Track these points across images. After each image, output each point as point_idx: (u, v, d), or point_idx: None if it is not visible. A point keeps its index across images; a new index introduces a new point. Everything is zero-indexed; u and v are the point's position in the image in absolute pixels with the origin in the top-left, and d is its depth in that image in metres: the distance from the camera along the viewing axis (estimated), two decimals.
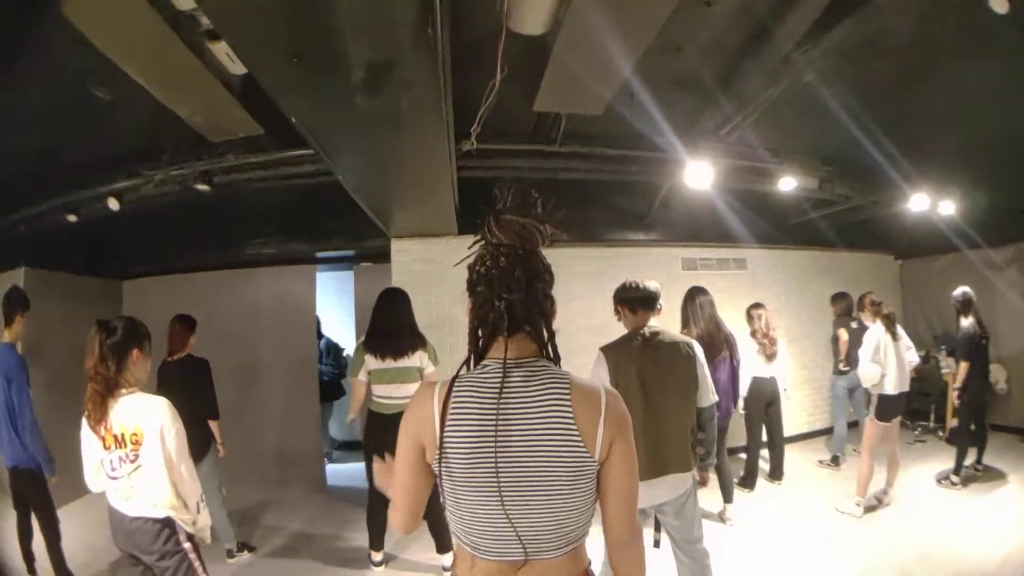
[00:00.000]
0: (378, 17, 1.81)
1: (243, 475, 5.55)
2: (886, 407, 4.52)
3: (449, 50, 2.19)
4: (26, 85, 3.27)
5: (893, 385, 4.49)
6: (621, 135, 4.03)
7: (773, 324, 5.30)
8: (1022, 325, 6.76)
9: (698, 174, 4.13)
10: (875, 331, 4.59)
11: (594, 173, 4.51)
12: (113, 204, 4.91)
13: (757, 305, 5.36)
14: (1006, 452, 5.82)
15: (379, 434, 3.66)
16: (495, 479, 1.23)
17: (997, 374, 6.74)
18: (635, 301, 2.85)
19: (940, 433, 6.75)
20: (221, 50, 2.90)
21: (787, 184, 4.70)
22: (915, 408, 7.10)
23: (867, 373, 4.56)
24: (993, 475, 5.27)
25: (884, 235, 7.30)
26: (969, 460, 5.26)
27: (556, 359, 1.37)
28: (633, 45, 2.72)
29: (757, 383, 5.16)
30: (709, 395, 2.89)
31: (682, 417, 2.74)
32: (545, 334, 1.37)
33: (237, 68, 3.02)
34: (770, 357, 5.17)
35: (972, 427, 5.27)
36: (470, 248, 1.39)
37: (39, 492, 3.54)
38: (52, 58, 3.09)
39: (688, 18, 2.94)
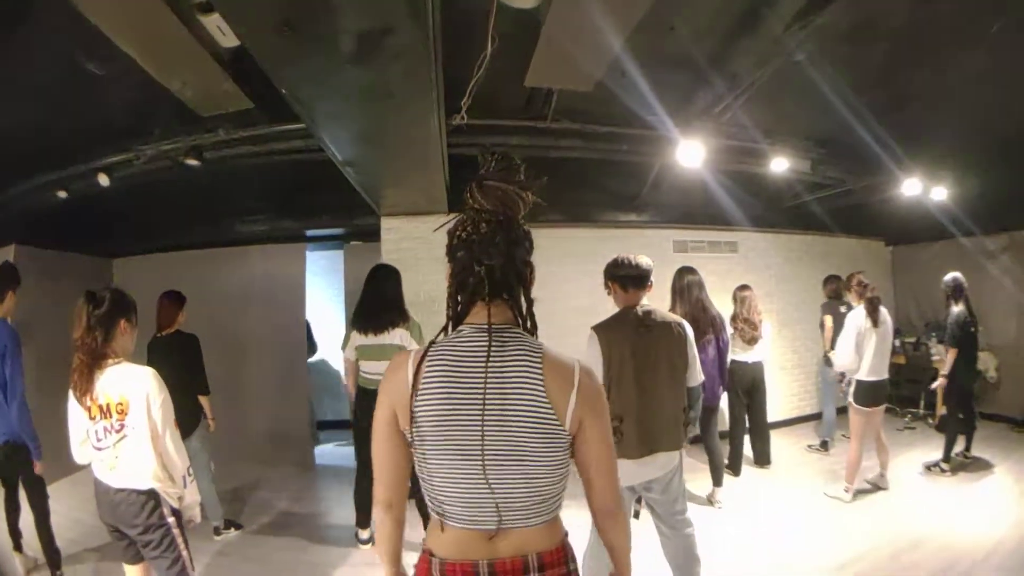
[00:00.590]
0: None
1: (232, 452, 5.65)
2: (862, 393, 4.56)
3: (440, 22, 2.21)
4: (16, 59, 3.27)
5: (867, 372, 4.52)
6: (613, 113, 4.05)
7: (759, 308, 5.34)
8: (1013, 313, 6.86)
9: (690, 153, 4.17)
10: (855, 315, 4.62)
11: (585, 151, 4.52)
12: (103, 180, 4.91)
13: (743, 287, 5.40)
14: (996, 441, 5.93)
15: (365, 410, 3.66)
16: (479, 443, 1.27)
17: (987, 362, 6.82)
18: (626, 279, 2.87)
19: (930, 420, 6.86)
20: (212, 23, 2.88)
21: (779, 165, 4.74)
22: (905, 395, 7.30)
23: (839, 357, 4.65)
24: (981, 464, 5.34)
25: (876, 221, 7.36)
26: (958, 448, 5.32)
27: (533, 328, 1.41)
28: (624, 21, 2.74)
29: (735, 367, 5.19)
30: (697, 375, 2.95)
31: (673, 396, 2.80)
32: (523, 302, 1.40)
33: (228, 41, 3.00)
34: (749, 342, 5.21)
35: (960, 415, 5.32)
36: (449, 216, 1.42)
37: (30, 467, 3.56)
38: (42, 31, 3.08)
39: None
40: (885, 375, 4.62)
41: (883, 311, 4.62)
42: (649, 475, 2.75)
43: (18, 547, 3.78)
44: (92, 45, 3.08)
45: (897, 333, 7.53)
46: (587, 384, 1.34)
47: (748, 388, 5.32)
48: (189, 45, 3.06)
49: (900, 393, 7.29)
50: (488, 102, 3.47)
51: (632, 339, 2.73)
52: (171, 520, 2.43)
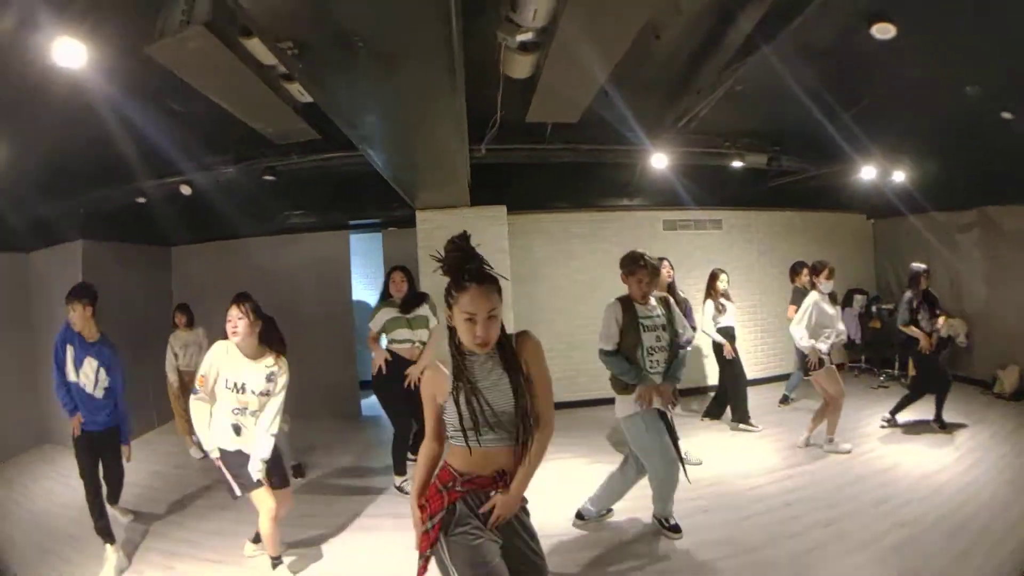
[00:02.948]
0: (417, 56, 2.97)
1: (294, 409, 7.00)
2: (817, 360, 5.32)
3: (463, 67, 3.36)
4: (112, 92, 4.22)
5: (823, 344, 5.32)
6: (597, 133, 5.30)
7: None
8: (982, 283, 7.63)
9: (658, 161, 5.44)
10: (809, 298, 5.40)
11: (578, 157, 5.82)
12: (186, 190, 6.25)
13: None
14: (968, 403, 6.63)
15: (393, 373, 4.80)
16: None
17: (958, 328, 7.53)
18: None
19: (903, 380, 7.77)
20: (295, 88, 4.12)
21: (737, 163, 5.95)
22: (883, 357, 8.35)
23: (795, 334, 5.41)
24: (951, 427, 5.88)
25: (855, 196, 8.18)
26: (930, 416, 5.93)
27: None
28: (604, 63, 3.84)
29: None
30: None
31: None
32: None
33: (305, 99, 4.25)
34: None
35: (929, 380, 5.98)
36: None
37: (118, 448, 4.37)
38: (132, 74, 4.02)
39: (643, 47, 4.14)
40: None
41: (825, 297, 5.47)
42: None
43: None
44: (177, 89, 4.08)
45: (876, 300, 8.69)
46: (524, 342, 2.28)
47: None
48: (274, 103, 4.20)
49: (881, 355, 8.41)
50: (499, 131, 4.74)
51: None
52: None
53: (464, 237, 2.22)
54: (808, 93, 5.07)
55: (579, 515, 4.28)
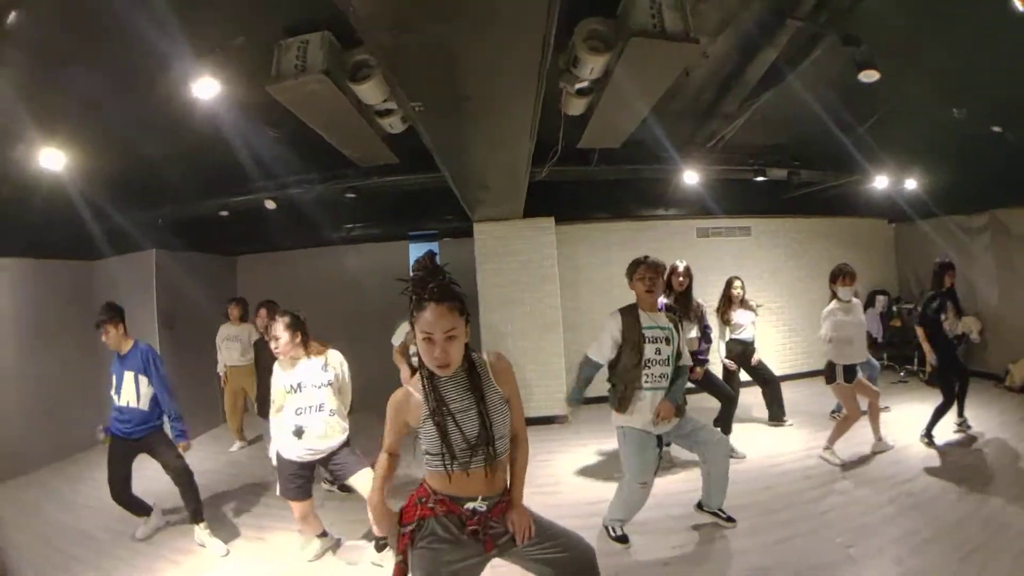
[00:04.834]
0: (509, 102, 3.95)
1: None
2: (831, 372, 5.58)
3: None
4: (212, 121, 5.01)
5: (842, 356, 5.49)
6: (636, 153, 6.32)
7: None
8: (995, 283, 8.31)
9: (690, 177, 6.46)
10: (826, 308, 5.62)
11: (620, 175, 6.85)
12: (270, 204, 7.18)
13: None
14: (981, 395, 7.09)
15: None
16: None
17: (972, 325, 8.20)
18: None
19: (921, 375, 8.59)
20: (386, 122, 4.95)
21: (760, 177, 6.93)
22: (904, 354, 9.10)
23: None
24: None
25: (875, 203, 8.95)
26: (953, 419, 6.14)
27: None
28: (643, 106, 4.80)
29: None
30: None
31: None
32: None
33: (395, 130, 5.12)
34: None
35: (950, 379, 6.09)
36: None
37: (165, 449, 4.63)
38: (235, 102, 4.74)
39: (676, 82, 5.09)
40: (857, 359, 5.56)
41: (854, 301, 5.67)
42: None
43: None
44: (275, 116, 5.01)
45: (897, 300, 9.54)
46: (498, 366, 2.40)
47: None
48: (368, 133, 5.03)
49: (898, 353, 9.23)
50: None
51: None
52: None
53: (430, 255, 2.28)
54: (824, 112, 5.84)
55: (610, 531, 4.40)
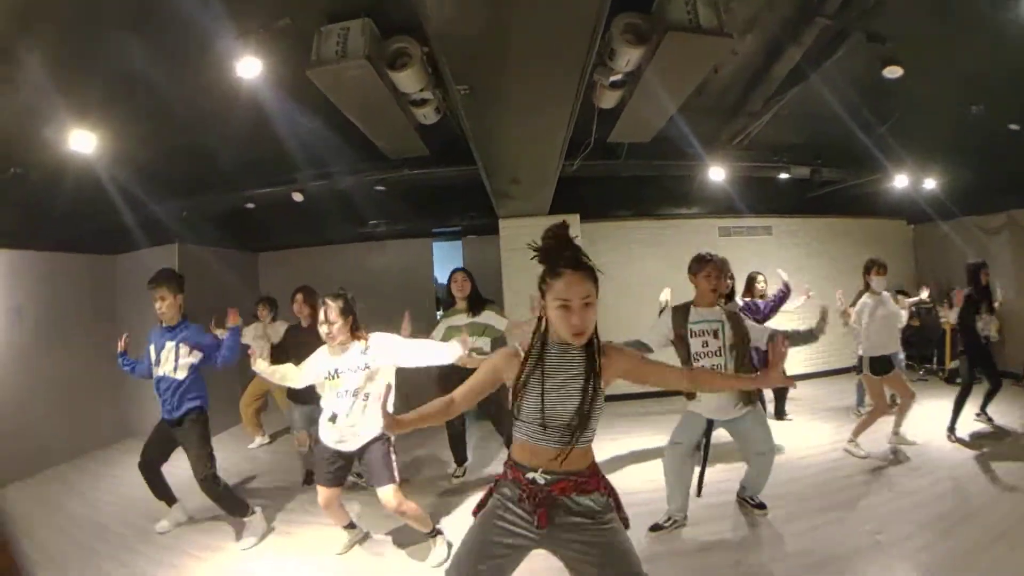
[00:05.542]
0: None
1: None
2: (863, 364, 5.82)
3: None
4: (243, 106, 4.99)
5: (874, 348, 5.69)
6: (663, 149, 6.53)
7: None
8: (1012, 282, 8.37)
9: (716, 174, 6.65)
10: (862, 300, 5.81)
11: (646, 171, 7.05)
12: (298, 197, 7.34)
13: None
14: (1000, 393, 6.81)
15: (450, 372, 4.52)
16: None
17: (991, 324, 7.88)
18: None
19: (940, 373, 8.82)
20: (421, 113, 5.10)
21: (783, 175, 7.12)
22: (923, 353, 9.27)
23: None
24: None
25: (895, 203, 9.19)
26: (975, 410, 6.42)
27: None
28: (674, 101, 5.05)
29: None
30: None
31: None
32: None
33: (428, 121, 5.26)
34: None
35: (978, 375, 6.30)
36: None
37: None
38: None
39: (704, 79, 5.30)
40: (886, 351, 5.72)
41: (884, 294, 5.86)
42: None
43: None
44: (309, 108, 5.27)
45: (917, 300, 9.65)
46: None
47: None
48: (403, 123, 5.19)
49: (922, 352, 9.35)
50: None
51: None
52: None
53: (563, 226, 2.28)
54: (845, 112, 6.05)
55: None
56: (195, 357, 4.60)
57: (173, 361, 4.53)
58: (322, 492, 4.01)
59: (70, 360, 7.04)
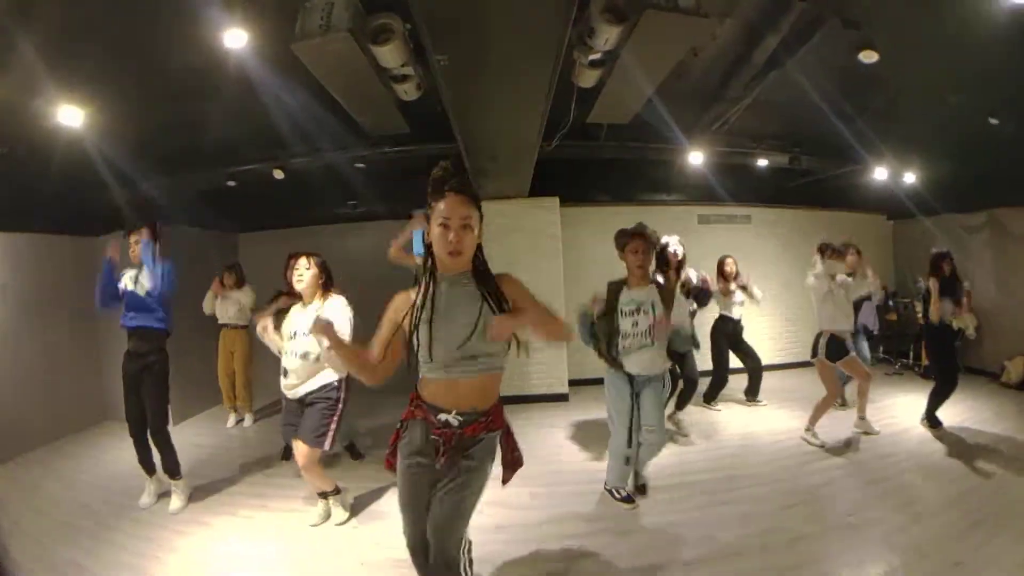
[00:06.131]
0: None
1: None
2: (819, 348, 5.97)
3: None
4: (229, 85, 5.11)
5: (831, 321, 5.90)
6: (643, 133, 6.63)
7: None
8: (991, 280, 8.59)
9: (695, 158, 6.77)
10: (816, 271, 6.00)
11: (625, 153, 7.16)
12: (278, 174, 7.34)
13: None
14: (977, 391, 7.50)
15: None
16: None
17: (968, 321, 8.26)
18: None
19: (916, 369, 8.99)
20: (402, 89, 5.13)
21: (762, 162, 7.25)
22: (899, 349, 9.51)
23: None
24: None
25: (874, 198, 9.35)
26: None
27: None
28: (651, 82, 5.09)
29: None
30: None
31: None
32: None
33: (409, 96, 5.30)
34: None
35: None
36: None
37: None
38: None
39: (683, 62, 5.40)
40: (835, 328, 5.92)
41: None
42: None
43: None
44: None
45: (894, 295, 9.89)
46: None
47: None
48: (385, 99, 5.30)
49: (893, 346, 9.64)
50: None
51: None
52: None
53: (458, 158, 2.60)
54: (824, 102, 6.15)
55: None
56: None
57: (134, 280, 4.89)
58: (296, 448, 4.22)
59: (50, 343, 7.06)
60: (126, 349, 4.94)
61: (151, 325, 4.91)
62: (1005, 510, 4.18)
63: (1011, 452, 5.34)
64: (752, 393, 7.51)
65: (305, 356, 4.18)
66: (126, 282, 4.91)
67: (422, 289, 2.41)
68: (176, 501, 4.93)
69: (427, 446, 2.45)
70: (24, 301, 6.76)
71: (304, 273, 4.28)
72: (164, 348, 4.98)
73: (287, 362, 4.22)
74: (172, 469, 4.95)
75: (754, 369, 7.40)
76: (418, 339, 2.36)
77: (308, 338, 4.11)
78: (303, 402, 4.25)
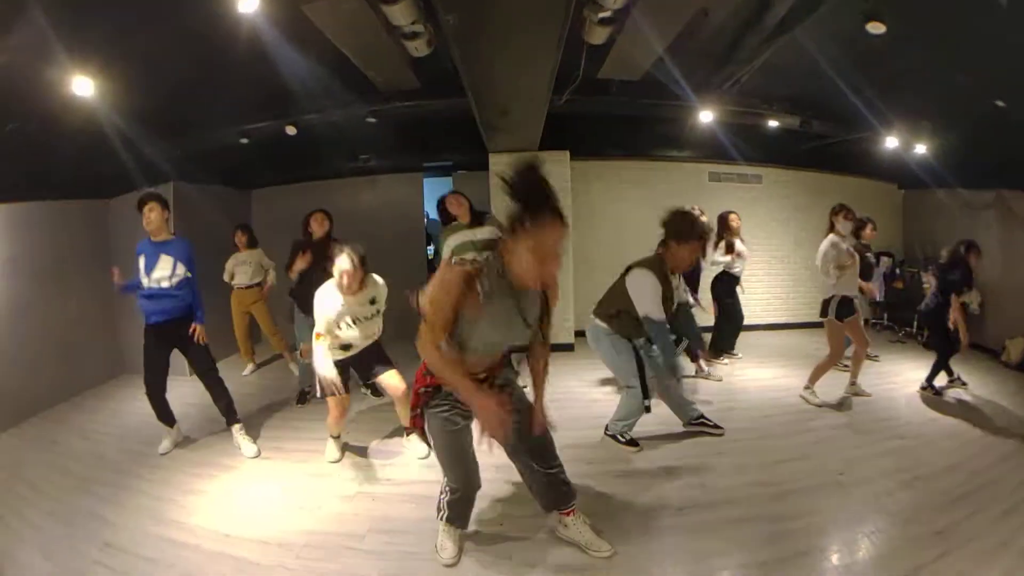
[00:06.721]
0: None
1: None
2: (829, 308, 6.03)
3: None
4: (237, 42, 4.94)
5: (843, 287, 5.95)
6: (654, 90, 6.71)
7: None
8: (998, 259, 8.33)
9: (705, 116, 6.90)
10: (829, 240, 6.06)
11: (637, 111, 7.26)
12: (291, 130, 7.45)
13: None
14: (976, 368, 7.43)
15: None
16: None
17: (972, 297, 8.37)
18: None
19: (919, 338, 9.01)
20: (412, 46, 5.23)
21: (773, 123, 7.32)
22: (904, 317, 9.45)
23: None
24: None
25: (887, 166, 9.26)
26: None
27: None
28: (662, 40, 5.24)
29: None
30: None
31: None
32: None
33: (419, 53, 5.38)
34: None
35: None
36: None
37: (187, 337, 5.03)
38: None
39: (695, 22, 5.44)
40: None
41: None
42: None
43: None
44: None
45: (901, 263, 9.98)
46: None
47: None
48: (396, 56, 5.44)
49: (898, 314, 9.66)
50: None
51: None
52: None
53: (541, 164, 2.33)
54: (835, 72, 6.16)
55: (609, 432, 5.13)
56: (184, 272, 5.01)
57: (169, 272, 4.92)
58: (343, 401, 4.67)
59: (66, 304, 7.20)
60: (152, 325, 5.00)
61: (181, 316, 5.02)
62: (992, 487, 4.23)
63: (1004, 430, 5.38)
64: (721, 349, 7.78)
65: (368, 337, 4.66)
66: (155, 274, 4.93)
67: (490, 288, 2.48)
68: (248, 445, 5.18)
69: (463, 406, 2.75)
70: (40, 268, 6.82)
71: (349, 276, 4.26)
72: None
73: (349, 338, 4.55)
74: (229, 412, 5.29)
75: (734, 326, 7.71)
76: (478, 329, 2.54)
77: (371, 320, 4.62)
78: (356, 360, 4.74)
